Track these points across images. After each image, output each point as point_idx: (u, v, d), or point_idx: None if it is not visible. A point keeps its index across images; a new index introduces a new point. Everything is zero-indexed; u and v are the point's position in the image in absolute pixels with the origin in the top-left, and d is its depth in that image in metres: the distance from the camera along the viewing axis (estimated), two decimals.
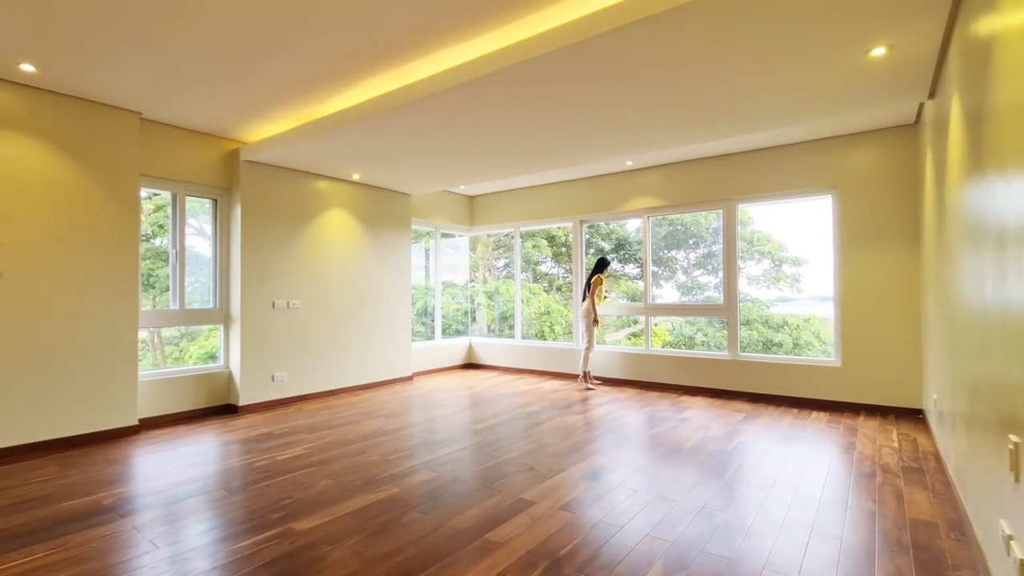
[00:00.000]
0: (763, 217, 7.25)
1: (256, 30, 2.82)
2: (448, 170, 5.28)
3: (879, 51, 2.72)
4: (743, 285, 5.60)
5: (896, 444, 3.63)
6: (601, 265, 5.97)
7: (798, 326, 7.08)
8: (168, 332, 5.20)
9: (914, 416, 4.38)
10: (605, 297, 6.29)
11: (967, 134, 2.14)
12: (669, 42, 2.62)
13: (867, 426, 4.11)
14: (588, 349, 5.87)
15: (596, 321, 5.85)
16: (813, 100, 3.41)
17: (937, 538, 2.27)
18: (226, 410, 4.76)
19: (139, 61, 3.20)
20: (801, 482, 2.92)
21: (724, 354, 5.46)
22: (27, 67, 3.25)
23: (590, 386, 5.88)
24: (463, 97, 3.33)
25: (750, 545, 2.21)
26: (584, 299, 5.94)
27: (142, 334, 4.86)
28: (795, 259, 7.09)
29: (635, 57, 2.78)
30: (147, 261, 4.84)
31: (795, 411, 4.67)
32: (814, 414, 4.54)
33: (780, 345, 7.00)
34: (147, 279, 4.87)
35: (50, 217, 3.64)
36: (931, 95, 3.35)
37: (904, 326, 4.47)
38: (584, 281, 6.52)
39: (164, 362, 5.31)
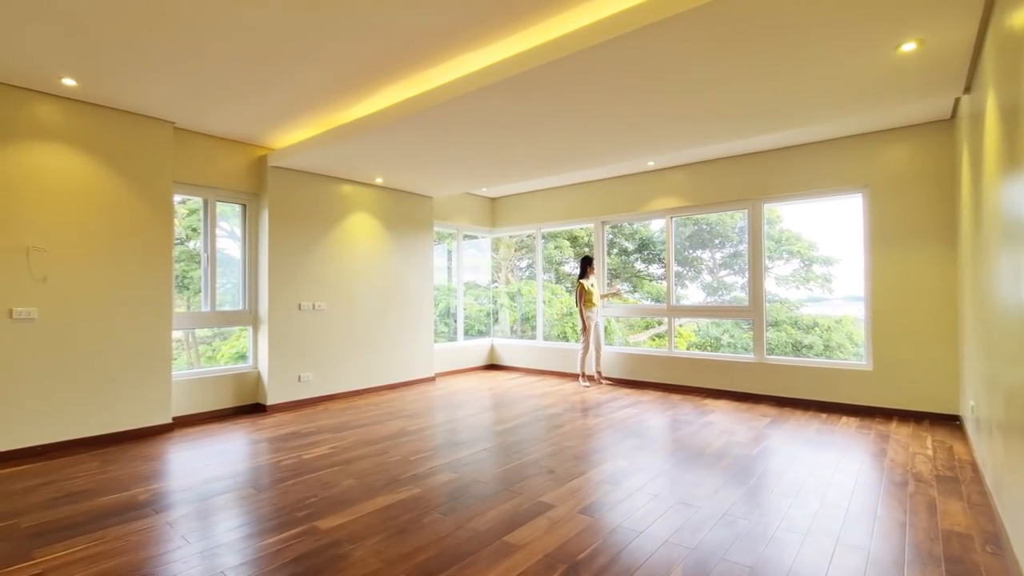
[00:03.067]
0: (792, 216, 7.08)
1: (283, 43, 2.90)
2: (469, 173, 5.32)
3: (909, 46, 2.63)
4: (771, 285, 5.49)
5: (930, 452, 3.50)
6: (583, 267, 6.17)
7: (829, 327, 6.88)
8: (201, 332, 5.38)
9: (950, 423, 4.22)
10: (612, 293, 6.37)
11: (1004, 130, 2.06)
12: (693, 41, 2.59)
13: (899, 432, 3.98)
14: (584, 351, 6.13)
15: (585, 327, 6.06)
16: (840, 98, 3.31)
17: (971, 551, 2.19)
18: (255, 409, 4.90)
19: (173, 74, 3.32)
20: (828, 490, 2.85)
21: (750, 356, 5.35)
22: (68, 81, 3.41)
23: (587, 384, 6.11)
24: (482, 101, 3.35)
25: (773, 553, 2.17)
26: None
27: (177, 334, 5.06)
28: (826, 259, 6.90)
29: (657, 57, 2.75)
30: (181, 264, 5.02)
31: (823, 416, 4.55)
32: (843, 419, 4.42)
33: (810, 347, 6.81)
34: (181, 281, 5.05)
35: (90, 223, 3.81)
36: (967, 89, 3.22)
37: (939, 329, 4.31)
38: (602, 283, 6.51)
39: (198, 361, 5.50)
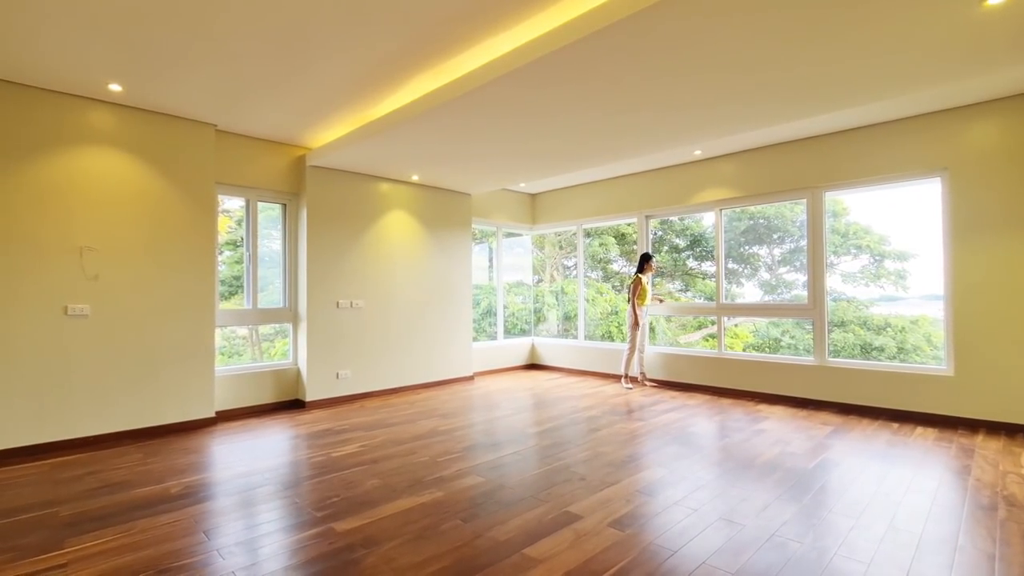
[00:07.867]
0: (860, 207, 6.48)
1: (308, 33, 2.87)
2: (504, 166, 5.17)
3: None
4: (837, 283, 5.02)
5: None
6: (642, 263, 5.84)
7: (903, 328, 6.24)
8: (264, 329, 5.55)
9: None
10: (658, 299, 6.09)
11: None
12: (744, 5, 2.32)
13: (987, 447, 3.50)
14: (630, 351, 5.83)
15: (636, 323, 5.75)
16: (916, 68, 2.91)
17: None
18: (295, 405, 4.98)
19: (210, 74, 3.38)
20: (898, 512, 2.50)
21: (809, 359, 4.92)
22: (114, 86, 3.55)
23: (629, 386, 5.84)
24: (510, 87, 3.19)
25: None
26: (629, 300, 5.87)
27: (242, 330, 5.25)
28: (899, 253, 6.27)
29: (705, 25, 2.49)
30: (240, 264, 5.15)
31: (895, 426, 4.09)
32: (919, 430, 3.95)
33: (882, 349, 6.21)
34: (241, 280, 5.17)
35: (137, 223, 3.96)
36: None
37: None
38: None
39: (261, 356, 5.65)
